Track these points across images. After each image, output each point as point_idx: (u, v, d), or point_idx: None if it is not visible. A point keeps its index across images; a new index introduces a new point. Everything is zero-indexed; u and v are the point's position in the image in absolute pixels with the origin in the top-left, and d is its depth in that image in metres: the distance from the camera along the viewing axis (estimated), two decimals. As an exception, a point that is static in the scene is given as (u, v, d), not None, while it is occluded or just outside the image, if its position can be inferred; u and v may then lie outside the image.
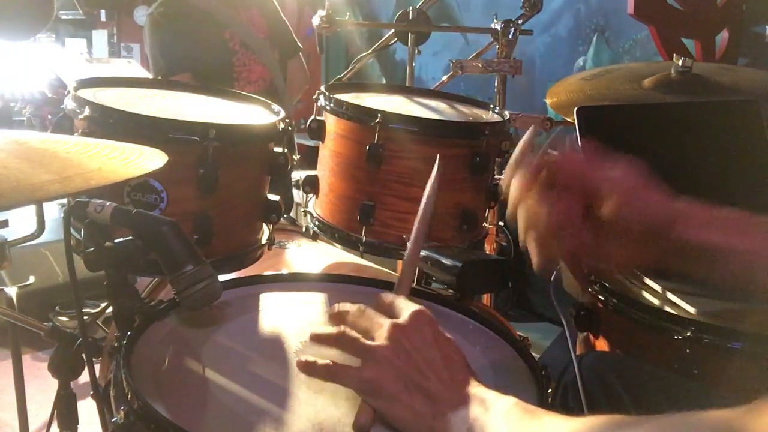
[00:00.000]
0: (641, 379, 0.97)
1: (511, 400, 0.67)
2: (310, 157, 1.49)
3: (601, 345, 1.17)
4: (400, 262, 2.07)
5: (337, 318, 0.80)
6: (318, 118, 1.38)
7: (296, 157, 1.33)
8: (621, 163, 0.77)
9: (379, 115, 1.24)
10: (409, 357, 0.72)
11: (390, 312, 0.78)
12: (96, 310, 1.93)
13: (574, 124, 1.31)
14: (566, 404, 0.97)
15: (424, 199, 0.94)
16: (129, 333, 0.84)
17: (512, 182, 0.83)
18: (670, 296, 1.09)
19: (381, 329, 0.74)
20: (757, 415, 0.46)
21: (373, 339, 0.74)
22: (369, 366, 0.72)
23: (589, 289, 1.17)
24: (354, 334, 0.76)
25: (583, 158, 0.80)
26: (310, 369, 0.76)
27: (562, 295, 1.19)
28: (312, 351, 0.78)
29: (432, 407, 0.69)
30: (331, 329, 0.78)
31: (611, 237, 0.77)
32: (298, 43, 2.80)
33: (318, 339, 0.78)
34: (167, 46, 2.51)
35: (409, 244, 0.93)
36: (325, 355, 0.76)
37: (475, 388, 0.71)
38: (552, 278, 1.19)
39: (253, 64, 2.58)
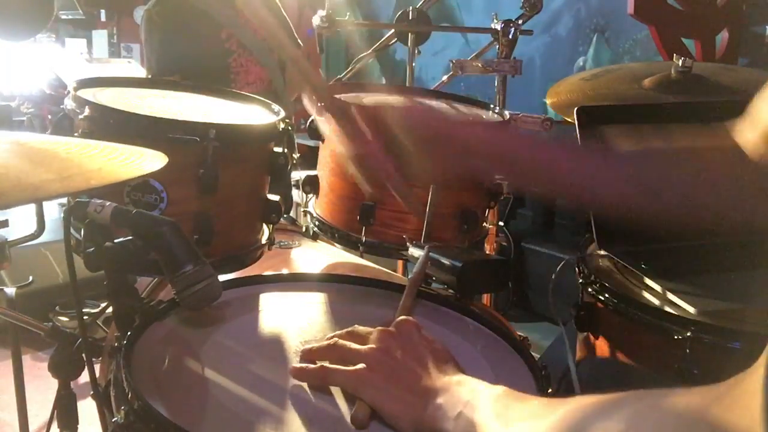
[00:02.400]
0: (639, 386, 0.97)
1: (500, 388, 0.69)
2: (310, 157, 1.49)
3: (601, 345, 1.17)
4: (400, 263, 2.08)
5: (324, 347, 0.82)
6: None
7: (296, 155, 1.32)
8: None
9: (379, 115, 1.24)
10: (398, 355, 0.75)
11: (370, 334, 0.81)
12: (96, 310, 1.93)
13: (574, 124, 1.31)
14: None
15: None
16: (129, 333, 0.84)
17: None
18: (670, 296, 1.09)
19: (371, 336, 0.79)
20: (727, 405, 0.46)
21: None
22: (362, 363, 0.75)
23: (589, 289, 1.17)
24: (345, 342, 0.79)
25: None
26: (302, 374, 0.78)
27: (561, 300, 1.19)
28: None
29: (422, 398, 0.71)
30: (323, 343, 0.81)
31: (406, 159, 0.83)
32: (299, 41, 2.79)
33: (310, 354, 0.81)
34: (162, 44, 2.49)
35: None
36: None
37: (464, 378, 0.73)
38: (552, 278, 1.20)
39: (251, 65, 2.57)
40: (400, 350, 0.76)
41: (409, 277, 1.09)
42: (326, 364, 0.78)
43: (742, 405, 0.45)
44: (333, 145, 1.27)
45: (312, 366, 0.78)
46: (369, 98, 1.45)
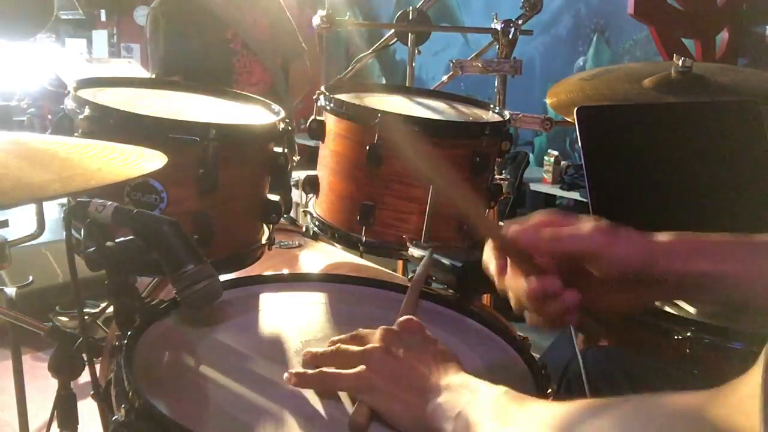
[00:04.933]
0: (646, 373, 0.97)
1: (501, 389, 0.68)
2: (310, 157, 1.49)
3: (601, 345, 1.17)
4: (400, 263, 2.08)
5: (329, 352, 0.81)
6: (318, 118, 1.38)
7: (296, 158, 1.33)
8: (582, 221, 0.74)
9: (379, 115, 1.25)
10: (400, 354, 0.75)
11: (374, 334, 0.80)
12: (96, 310, 1.93)
13: (574, 124, 1.31)
14: (570, 398, 0.97)
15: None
16: (129, 333, 0.83)
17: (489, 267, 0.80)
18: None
19: (373, 336, 0.78)
20: (722, 403, 0.47)
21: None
22: (363, 364, 0.74)
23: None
24: (347, 346, 0.79)
25: (541, 227, 0.75)
26: (302, 380, 0.77)
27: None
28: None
29: (423, 397, 0.71)
30: (327, 349, 0.80)
31: (597, 291, 0.75)
32: (303, 45, 2.78)
33: (313, 359, 0.80)
34: (166, 44, 2.49)
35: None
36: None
37: (466, 378, 0.72)
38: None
39: (254, 66, 2.56)
40: (402, 349, 0.76)
41: (410, 277, 1.09)
42: (326, 368, 0.77)
43: (741, 407, 0.45)
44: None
45: (311, 371, 0.77)
46: (369, 98, 1.45)
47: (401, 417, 0.71)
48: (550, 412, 0.60)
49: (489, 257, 0.79)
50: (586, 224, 0.73)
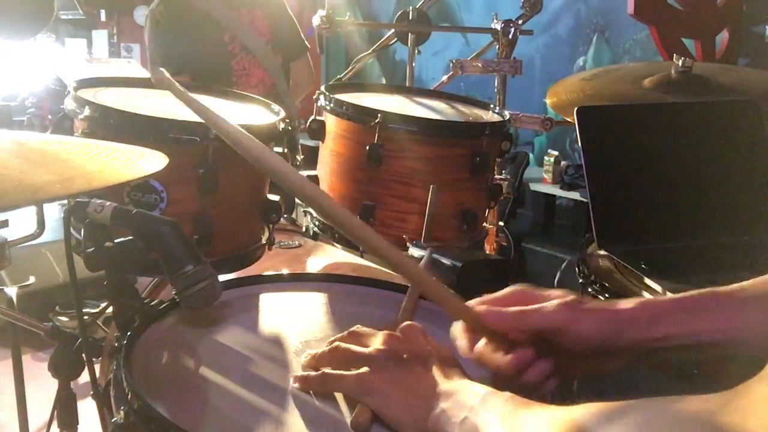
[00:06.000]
0: (638, 383, 0.97)
1: (506, 395, 0.68)
2: (310, 157, 1.49)
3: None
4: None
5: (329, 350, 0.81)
6: (318, 118, 1.38)
7: (300, 157, 1.33)
8: (549, 296, 0.75)
9: (379, 115, 1.25)
10: (403, 358, 0.75)
11: (372, 335, 0.80)
12: (96, 310, 1.92)
13: (574, 124, 1.31)
14: (567, 396, 0.97)
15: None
16: (129, 333, 0.83)
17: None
18: (670, 296, 1.09)
19: (376, 339, 0.78)
20: (734, 407, 0.46)
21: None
22: (365, 367, 0.74)
23: (589, 289, 1.17)
24: (348, 345, 0.78)
25: (508, 304, 0.75)
26: (305, 383, 0.77)
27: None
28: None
29: (426, 401, 0.70)
30: (325, 348, 0.80)
31: (572, 360, 0.75)
32: (306, 43, 2.77)
33: (313, 361, 0.80)
34: (165, 45, 2.49)
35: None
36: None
37: (469, 383, 0.72)
38: (557, 275, 1.19)
39: (254, 68, 2.56)
40: (405, 353, 0.75)
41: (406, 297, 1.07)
42: (329, 370, 0.77)
43: (751, 411, 0.44)
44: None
45: (314, 374, 0.77)
46: (369, 98, 1.45)
47: (404, 421, 0.71)
48: (559, 417, 0.59)
49: (457, 334, 0.78)
50: (552, 301, 0.74)
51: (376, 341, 0.78)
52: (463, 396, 0.69)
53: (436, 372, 0.73)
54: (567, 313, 0.72)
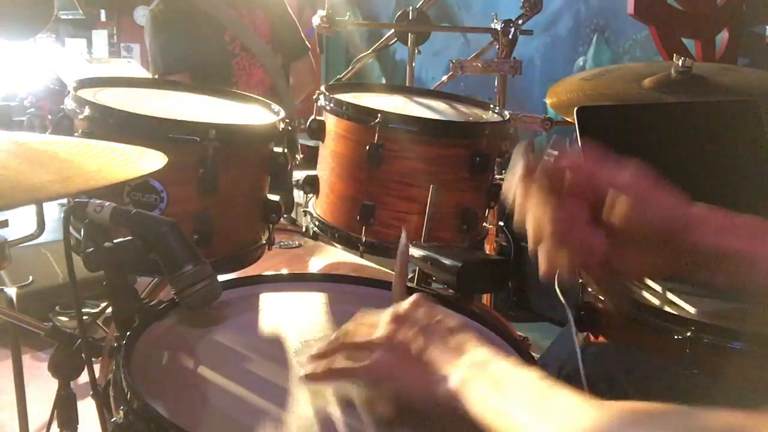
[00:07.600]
0: (646, 371, 0.97)
1: (531, 374, 0.65)
2: (310, 157, 1.49)
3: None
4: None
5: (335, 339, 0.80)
6: (318, 118, 1.38)
7: (299, 156, 1.32)
8: (628, 165, 0.72)
9: (379, 115, 1.25)
10: (413, 335, 0.72)
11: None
12: (96, 310, 1.92)
13: (574, 124, 1.31)
14: None
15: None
16: (129, 333, 0.83)
17: (514, 190, 0.76)
18: (670, 296, 1.09)
19: (381, 320, 0.76)
20: (762, 423, 0.46)
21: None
22: (376, 353, 0.72)
23: (589, 289, 1.17)
24: (353, 335, 0.77)
25: (585, 160, 0.72)
26: (315, 378, 0.76)
27: (565, 286, 1.18)
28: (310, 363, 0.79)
29: (443, 375, 0.68)
30: (329, 342, 0.79)
31: (622, 244, 0.72)
32: (307, 43, 2.77)
33: (318, 356, 0.79)
34: (166, 44, 2.49)
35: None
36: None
37: (488, 354, 0.69)
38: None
39: (254, 68, 2.55)
40: (414, 328, 0.73)
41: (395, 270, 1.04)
42: (336, 364, 0.76)
43: None
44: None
45: (322, 369, 0.76)
46: (369, 98, 1.45)
47: (424, 397, 0.69)
48: (589, 414, 0.57)
49: (511, 181, 0.74)
50: (628, 168, 0.71)
51: (381, 321, 0.75)
52: (484, 368, 0.67)
53: (449, 342, 0.71)
54: (649, 181, 0.70)
